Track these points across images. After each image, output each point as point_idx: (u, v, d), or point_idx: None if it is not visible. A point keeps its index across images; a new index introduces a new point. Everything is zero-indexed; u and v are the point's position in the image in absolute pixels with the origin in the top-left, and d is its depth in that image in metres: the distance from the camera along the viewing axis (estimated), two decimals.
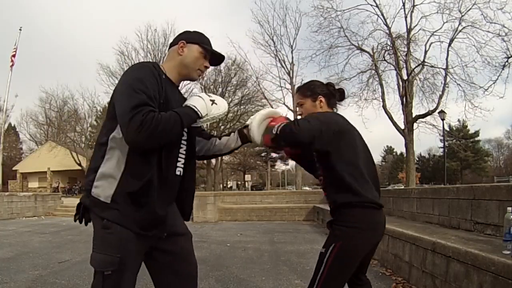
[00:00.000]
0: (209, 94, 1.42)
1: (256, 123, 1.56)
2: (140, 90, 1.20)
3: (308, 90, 1.70)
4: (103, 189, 1.24)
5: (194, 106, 1.31)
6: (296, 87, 1.85)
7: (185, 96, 1.55)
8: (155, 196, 1.25)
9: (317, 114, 1.56)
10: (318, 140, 1.44)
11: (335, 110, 1.72)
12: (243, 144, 1.64)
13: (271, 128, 1.50)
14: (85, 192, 1.30)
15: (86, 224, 1.34)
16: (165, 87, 1.32)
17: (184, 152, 1.40)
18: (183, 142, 1.40)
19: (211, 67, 1.56)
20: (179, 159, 1.38)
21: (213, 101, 1.36)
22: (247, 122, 1.60)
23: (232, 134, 1.65)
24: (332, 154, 1.49)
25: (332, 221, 1.56)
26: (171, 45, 1.46)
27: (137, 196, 1.23)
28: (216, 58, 1.49)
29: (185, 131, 1.40)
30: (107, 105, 31.99)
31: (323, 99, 1.67)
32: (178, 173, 1.37)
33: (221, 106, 1.39)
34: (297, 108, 1.74)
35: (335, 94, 1.71)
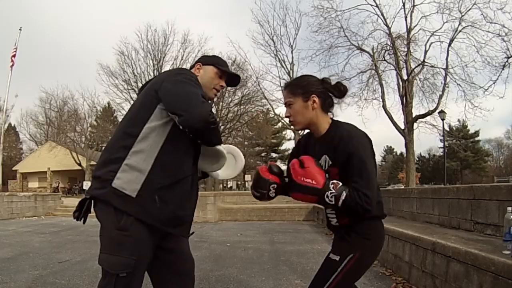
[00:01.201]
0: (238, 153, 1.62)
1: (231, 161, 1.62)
2: (197, 82, 1.33)
3: (299, 87, 1.41)
4: (129, 182, 1.21)
5: (222, 147, 1.45)
6: (284, 83, 1.56)
7: None
8: (187, 193, 1.31)
9: (364, 145, 1.34)
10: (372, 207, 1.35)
11: (330, 115, 1.46)
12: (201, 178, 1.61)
13: (316, 190, 1.29)
14: (100, 183, 1.23)
15: (84, 222, 1.30)
16: None
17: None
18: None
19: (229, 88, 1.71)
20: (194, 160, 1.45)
21: (234, 158, 1.59)
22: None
23: None
24: None
25: (350, 229, 1.43)
26: (191, 67, 1.57)
27: (167, 192, 1.24)
28: (233, 79, 1.58)
29: None
30: (106, 105, 31.78)
31: (316, 99, 1.39)
32: (200, 174, 1.47)
33: (240, 166, 1.62)
34: (285, 109, 1.46)
35: (332, 93, 1.43)
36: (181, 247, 1.44)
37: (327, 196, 1.28)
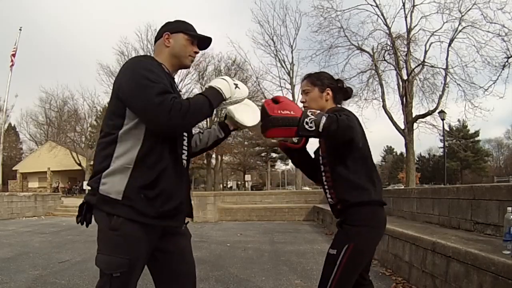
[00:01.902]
0: (232, 78, 1.43)
1: (240, 109, 1.54)
2: (156, 80, 1.21)
3: (318, 80, 1.65)
4: (113, 185, 1.21)
5: (219, 88, 1.33)
6: (305, 74, 1.71)
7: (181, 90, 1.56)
8: (171, 187, 1.26)
9: (349, 112, 1.46)
10: (356, 137, 1.37)
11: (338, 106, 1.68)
12: (227, 135, 1.62)
13: (294, 119, 1.29)
14: (90, 191, 1.28)
15: (87, 226, 1.33)
16: (169, 79, 1.33)
17: (186, 145, 1.40)
18: (184, 134, 1.39)
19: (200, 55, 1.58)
20: (183, 151, 1.38)
21: (236, 85, 1.39)
22: (227, 111, 1.56)
23: (213, 126, 1.63)
24: (354, 152, 1.47)
25: (342, 221, 1.54)
26: (156, 39, 1.46)
27: (151, 188, 1.22)
28: (204, 42, 1.48)
29: None
30: (106, 105, 31.89)
31: (330, 92, 1.64)
32: (184, 164, 1.39)
33: (243, 91, 1.41)
34: (301, 96, 1.68)
35: (342, 91, 1.68)
36: (180, 248, 1.41)
37: (307, 123, 1.28)
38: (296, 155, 1.70)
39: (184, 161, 1.38)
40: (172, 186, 1.28)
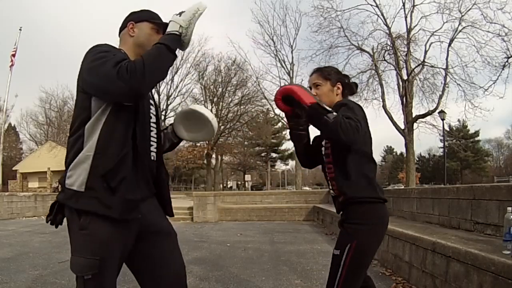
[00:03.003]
0: (176, 13, 1.32)
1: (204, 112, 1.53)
2: (108, 54, 1.17)
3: (330, 74, 1.67)
4: (76, 178, 1.16)
5: (168, 32, 1.27)
6: (314, 68, 1.75)
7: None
8: (130, 174, 1.19)
9: (357, 107, 1.49)
10: (360, 139, 1.41)
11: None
12: (174, 144, 1.59)
13: (316, 98, 1.43)
14: (61, 188, 1.23)
15: (56, 227, 1.28)
16: None
17: (155, 136, 1.36)
18: (152, 125, 1.35)
19: None
20: (151, 142, 1.33)
21: (180, 13, 1.30)
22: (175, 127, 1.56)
23: (168, 129, 1.59)
24: (359, 147, 1.49)
25: (343, 220, 1.54)
26: (121, 28, 1.41)
27: (111, 177, 1.15)
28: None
29: (152, 114, 1.37)
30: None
31: (340, 87, 1.67)
32: (152, 158, 1.33)
33: (190, 7, 1.30)
34: (312, 89, 1.67)
35: (350, 86, 1.72)
36: (163, 250, 1.33)
37: (325, 108, 1.39)
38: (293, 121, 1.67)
39: (153, 154, 1.33)
40: (135, 175, 1.21)
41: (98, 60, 1.17)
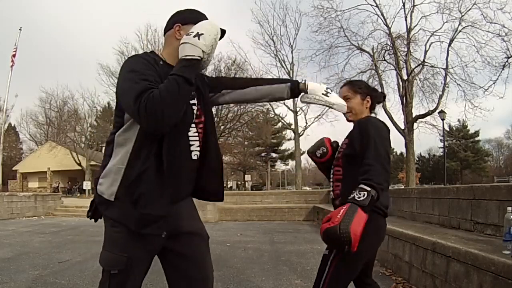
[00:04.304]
0: (190, 31, 1.23)
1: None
2: (138, 79, 1.15)
3: (360, 88, 1.70)
4: (107, 187, 1.21)
5: (185, 56, 1.20)
6: (346, 80, 1.80)
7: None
8: (148, 190, 1.19)
9: (382, 135, 1.49)
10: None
11: (373, 114, 1.75)
12: (290, 98, 1.54)
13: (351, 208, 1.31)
14: (95, 190, 1.29)
15: (95, 221, 1.34)
16: (165, 73, 1.23)
17: (196, 135, 1.32)
18: (192, 125, 1.32)
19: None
20: (191, 142, 1.30)
21: (198, 35, 1.21)
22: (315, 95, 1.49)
23: (283, 85, 1.50)
24: None
25: None
26: (166, 29, 1.36)
27: (133, 191, 1.18)
28: None
29: (195, 114, 1.31)
30: (106, 105, 31.78)
31: (370, 101, 1.71)
32: (194, 157, 1.31)
33: (209, 29, 1.24)
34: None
35: (380, 99, 1.77)
36: (195, 251, 1.35)
37: (357, 195, 1.34)
38: (321, 166, 1.81)
39: (196, 152, 1.31)
40: (159, 189, 1.20)
41: (126, 82, 1.18)
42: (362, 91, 1.69)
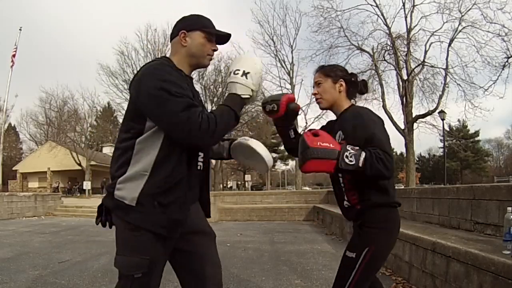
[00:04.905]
0: (235, 69, 1.31)
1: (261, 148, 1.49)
2: (178, 93, 1.17)
3: (331, 71, 1.61)
4: (128, 191, 1.21)
5: (236, 94, 1.29)
6: (318, 66, 1.69)
7: None
8: (181, 197, 1.24)
9: (377, 126, 1.41)
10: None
11: (353, 102, 1.64)
12: (225, 159, 1.62)
13: (334, 151, 1.28)
14: (107, 195, 1.27)
15: (110, 227, 1.33)
16: (188, 84, 1.29)
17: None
18: None
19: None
20: (199, 153, 1.35)
21: (245, 74, 1.29)
22: (242, 139, 1.54)
23: (223, 144, 1.60)
24: None
25: (362, 223, 1.49)
26: (172, 36, 1.38)
27: (161, 197, 1.20)
28: (222, 37, 1.40)
29: None
30: (106, 105, 31.61)
31: (343, 84, 1.58)
32: (199, 167, 1.35)
33: (256, 68, 1.31)
34: (314, 88, 1.64)
35: (357, 85, 1.63)
36: (203, 248, 1.38)
37: (347, 157, 1.27)
38: (280, 125, 1.69)
39: (200, 164, 1.36)
40: (186, 195, 1.26)
41: (164, 93, 1.16)
42: (334, 74, 1.59)
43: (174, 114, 1.14)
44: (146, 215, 1.20)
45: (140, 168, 1.22)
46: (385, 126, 1.48)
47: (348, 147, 1.30)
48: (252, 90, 1.30)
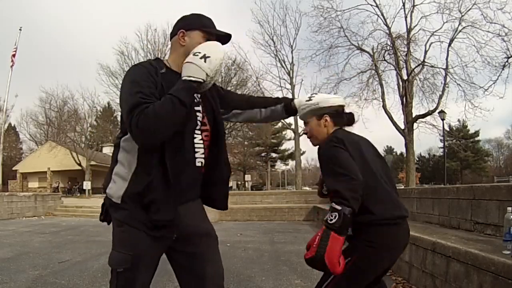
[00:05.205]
0: (197, 51, 1.24)
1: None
2: (135, 92, 1.17)
3: (314, 110, 1.62)
4: (115, 190, 1.25)
5: (187, 76, 1.21)
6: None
7: None
8: (159, 197, 1.21)
9: (337, 162, 1.42)
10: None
11: (336, 129, 1.64)
12: (291, 116, 1.68)
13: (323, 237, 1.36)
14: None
15: (109, 223, 1.35)
16: (167, 81, 1.24)
17: (201, 142, 1.33)
18: (197, 132, 1.32)
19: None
20: (196, 149, 1.31)
21: (204, 57, 1.21)
22: (307, 99, 1.61)
23: (279, 106, 1.60)
24: None
25: (351, 236, 1.48)
26: (172, 35, 1.37)
27: (142, 198, 1.21)
28: (223, 37, 1.37)
29: (199, 121, 1.32)
30: (106, 105, 31.65)
31: (328, 119, 1.61)
32: (199, 164, 1.32)
33: (217, 53, 1.24)
34: (304, 126, 1.71)
35: (342, 117, 1.64)
36: (203, 249, 1.36)
37: (328, 220, 1.35)
38: None
39: (200, 160, 1.32)
40: (166, 196, 1.21)
41: (124, 93, 1.22)
42: (318, 112, 1.61)
43: (124, 115, 1.18)
44: (130, 213, 1.22)
45: (123, 167, 1.26)
46: (352, 147, 1.49)
47: (324, 220, 1.39)
48: (206, 74, 1.21)
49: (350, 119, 1.67)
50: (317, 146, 1.61)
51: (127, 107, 1.15)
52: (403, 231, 1.51)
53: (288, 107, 1.61)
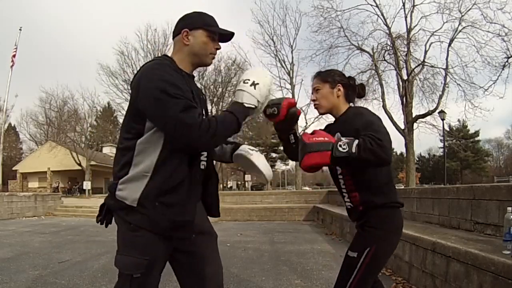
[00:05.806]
0: (246, 78, 1.29)
1: (259, 157, 1.51)
2: (177, 94, 1.15)
3: (329, 76, 1.61)
4: (129, 192, 1.21)
5: (243, 103, 1.27)
6: (316, 72, 1.69)
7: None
8: (183, 198, 1.23)
9: (375, 119, 1.41)
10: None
11: (351, 105, 1.64)
12: (227, 162, 1.64)
13: (328, 143, 1.29)
14: (109, 194, 1.28)
15: (106, 226, 1.33)
16: (192, 85, 1.27)
17: None
18: None
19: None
20: (202, 152, 1.34)
21: (254, 84, 1.28)
22: (245, 150, 1.53)
23: (227, 148, 1.59)
24: None
25: (363, 224, 1.51)
26: (174, 34, 1.36)
27: (165, 199, 1.20)
28: (225, 35, 1.38)
29: None
30: (106, 105, 31.56)
31: (341, 89, 1.59)
32: (202, 167, 1.34)
33: (265, 81, 1.30)
34: (312, 94, 1.64)
35: (355, 88, 1.64)
36: (203, 249, 1.37)
37: (340, 146, 1.27)
38: (280, 128, 1.62)
39: (204, 162, 1.34)
40: (188, 195, 1.25)
41: (162, 93, 1.15)
42: (331, 79, 1.59)
43: (173, 115, 1.13)
44: (147, 216, 1.20)
45: (142, 169, 1.21)
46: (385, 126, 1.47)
47: (342, 138, 1.31)
48: (258, 101, 1.28)
49: (362, 89, 1.66)
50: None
51: (177, 107, 1.13)
52: (402, 217, 1.58)
53: (235, 148, 1.58)
